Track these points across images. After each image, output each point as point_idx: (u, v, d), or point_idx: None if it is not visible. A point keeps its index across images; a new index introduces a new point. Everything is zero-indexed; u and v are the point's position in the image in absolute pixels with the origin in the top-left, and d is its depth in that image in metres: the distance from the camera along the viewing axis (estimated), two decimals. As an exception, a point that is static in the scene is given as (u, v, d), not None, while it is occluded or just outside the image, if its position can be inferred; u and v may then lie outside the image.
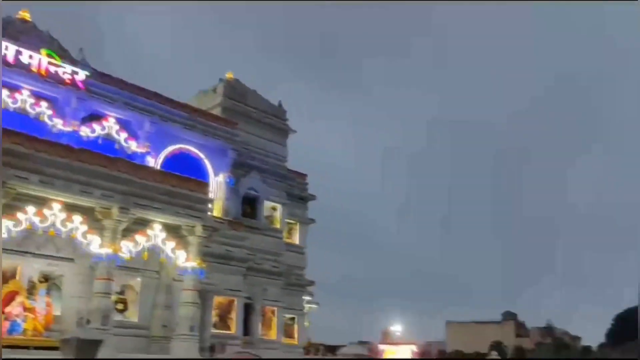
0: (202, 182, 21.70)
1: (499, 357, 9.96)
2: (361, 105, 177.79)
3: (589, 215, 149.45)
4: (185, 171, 21.51)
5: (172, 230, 19.65)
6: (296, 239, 29.88)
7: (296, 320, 28.54)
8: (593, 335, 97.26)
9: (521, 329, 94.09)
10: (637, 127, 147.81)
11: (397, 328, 53.28)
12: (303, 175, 31.62)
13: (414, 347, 42.01)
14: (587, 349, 71.30)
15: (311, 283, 30.06)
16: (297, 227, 30.11)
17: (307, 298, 30.26)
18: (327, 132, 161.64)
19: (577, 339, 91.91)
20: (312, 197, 31.46)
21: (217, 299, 23.10)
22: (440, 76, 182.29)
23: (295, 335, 28.31)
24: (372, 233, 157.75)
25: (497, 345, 57.55)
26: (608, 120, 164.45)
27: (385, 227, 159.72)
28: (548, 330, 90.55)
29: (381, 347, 41.73)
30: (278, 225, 28.01)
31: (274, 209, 28.19)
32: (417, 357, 39.61)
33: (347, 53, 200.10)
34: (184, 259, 19.57)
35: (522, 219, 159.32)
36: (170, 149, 23.86)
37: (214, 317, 22.86)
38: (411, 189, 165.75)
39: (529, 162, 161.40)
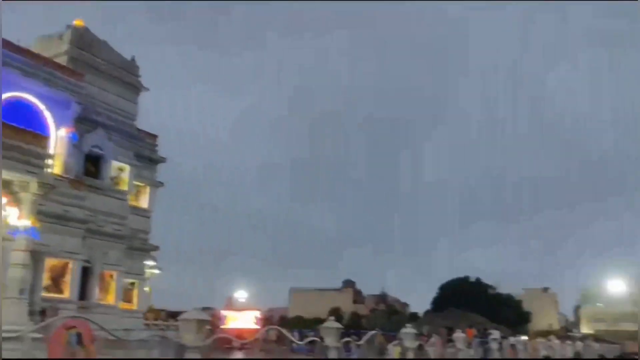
0: (40, 135, 20.01)
1: (336, 323, 10.70)
2: (222, 68, 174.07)
3: (431, 189, 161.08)
4: (22, 122, 19.66)
5: (4, 186, 17.94)
6: (143, 202, 28.84)
7: (136, 285, 27.78)
8: (421, 302, 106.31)
9: (358, 296, 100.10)
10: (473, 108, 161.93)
11: (241, 294, 53.92)
12: (154, 136, 30.45)
13: (257, 314, 42.83)
14: (414, 314, 77.78)
15: (155, 248, 29.32)
16: (145, 189, 29.06)
17: (150, 263, 29.50)
18: (183, 93, 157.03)
19: (406, 305, 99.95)
20: (162, 160, 30.47)
21: (51, 261, 21.75)
22: (300, 43, 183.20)
23: (135, 301, 27.59)
24: (223, 198, 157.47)
25: (335, 312, 60.63)
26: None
27: (238, 192, 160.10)
28: (382, 297, 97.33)
29: (224, 313, 42.02)
30: (125, 187, 26.75)
31: (121, 169, 26.81)
32: (259, 323, 40.45)
33: (209, 14, 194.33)
34: (16, 218, 18.02)
35: (374, 189, 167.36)
36: (6, 96, 21.59)
37: (46, 280, 21.53)
38: (267, 155, 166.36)
39: (388, 135, 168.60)
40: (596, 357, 31.83)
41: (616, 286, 79.40)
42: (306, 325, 50.10)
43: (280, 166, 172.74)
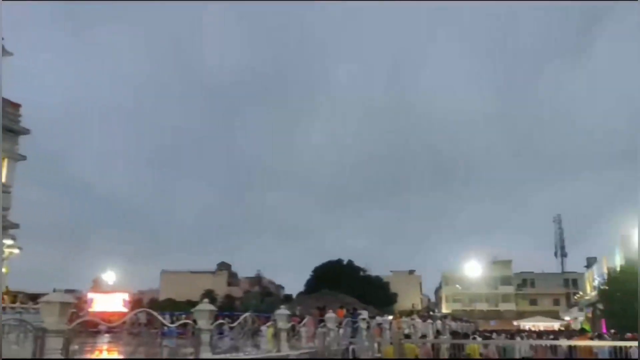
0: None
1: (210, 305, 10.57)
2: (95, 37, 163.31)
3: (307, 172, 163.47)
4: None
5: None
6: (1, 176, 26.56)
7: (-8, 266, 25.61)
8: (296, 284, 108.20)
9: (233, 279, 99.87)
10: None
11: (109, 276, 51.66)
12: (16, 105, 28.06)
13: (125, 296, 41.36)
14: (288, 296, 79.12)
15: (15, 226, 27.19)
16: (5, 162, 26.76)
17: (8, 242, 27.31)
18: (54, 61, 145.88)
19: (280, 287, 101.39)
20: (26, 131, 28.21)
21: None
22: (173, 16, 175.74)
23: (-12, 283, 25.42)
24: (93, 175, 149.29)
25: (208, 294, 60.02)
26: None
27: (108, 169, 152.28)
28: (257, 280, 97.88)
29: (90, 295, 40.12)
30: (-21, 159, 24.49)
31: (-25, 139, 24.48)
32: (127, 306, 39.13)
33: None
34: None
35: (249, 168, 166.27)
36: None
37: None
38: (133, 132, 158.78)
39: (261, 115, 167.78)
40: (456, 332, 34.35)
41: (472, 269, 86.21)
42: (178, 308, 49.09)
43: (153, 145, 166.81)
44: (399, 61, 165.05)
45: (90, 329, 18.20)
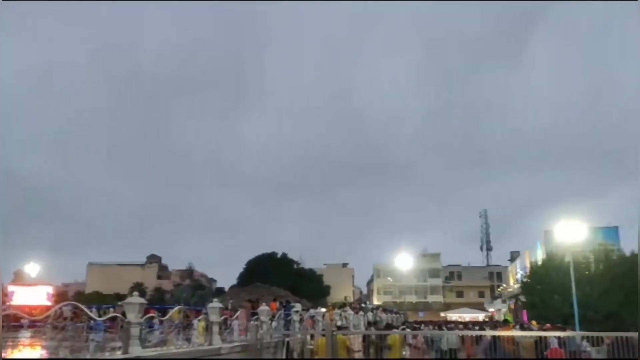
0: None
1: (139, 298, 10.34)
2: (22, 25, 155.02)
3: (245, 165, 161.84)
4: None
5: None
6: None
7: None
8: (229, 277, 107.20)
9: (163, 272, 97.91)
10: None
11: (32, 268, 49.45)
12: None
13: (49, 289, 39.85)
14: (220, 289, 78.36)
15: None
16: None
17: None
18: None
19: (213, 281, 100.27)
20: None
21: None
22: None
23: None
24: (9, 163, 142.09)
25: (137, 287, 58.60)
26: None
27: (26, 157, 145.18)
28: (188, 272, 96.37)
29: (11, 288, 38.39)
30: None
31: None
32: (51, 299, 37.74)
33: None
34: None
35: (182, 161, 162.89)
36: None
37: None
38: (63, 118, 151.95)
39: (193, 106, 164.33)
40: (384, 325, 35.15)
41: (403, 262, 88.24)
42: (105, 301, 47.61)
43: (82, 132, 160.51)
44: (336, 57, 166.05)
45: (12, 322, 17.38)
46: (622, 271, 34.33)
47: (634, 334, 12.86)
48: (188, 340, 13.58)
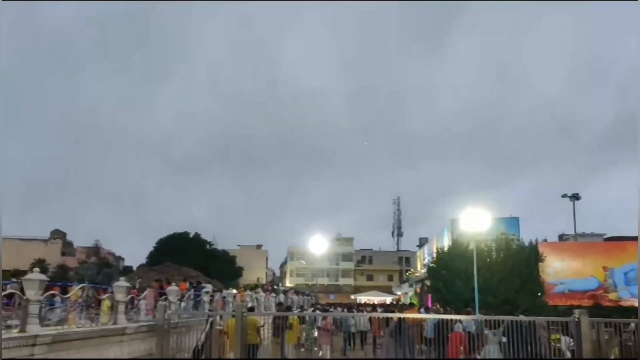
0: None
1: (41, 275, 9.89)
2: None
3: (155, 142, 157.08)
4: None
5: None
6: None
7: None
8: (138, 256, 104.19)
9: (68, 248, 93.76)
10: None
11: None
12: None
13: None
14: (128, 268, 76.16)
15: None
16: None
17: None
18: None
19: (120, 259, 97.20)
20: None
21: None
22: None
23: None
24: None
25: (39, 263, 55.79)
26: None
27: None
28: (94, 250, 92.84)
29: None
30: None
31: None
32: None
33: None
34: None
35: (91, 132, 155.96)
36: None
37: None
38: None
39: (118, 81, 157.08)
40: (297, 306, 35.65)
41: (317, 245, 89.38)
42: (3, 277, 44.96)
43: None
44: (260, 39, 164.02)
45: None
46: (520, 260, 36.53)
47: (526, 318, 13.82)
48: (92, 319, 13.11)
